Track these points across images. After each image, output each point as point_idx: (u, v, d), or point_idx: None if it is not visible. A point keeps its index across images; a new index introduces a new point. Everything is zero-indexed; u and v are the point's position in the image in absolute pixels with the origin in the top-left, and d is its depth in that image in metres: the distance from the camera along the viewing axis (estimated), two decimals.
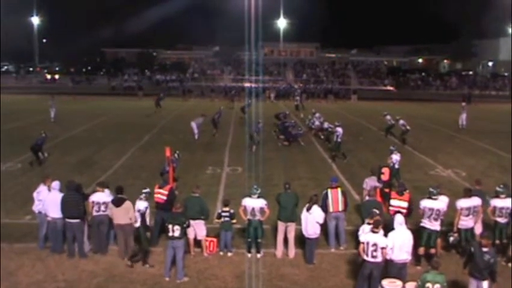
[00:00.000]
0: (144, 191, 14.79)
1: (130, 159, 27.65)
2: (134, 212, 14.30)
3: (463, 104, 46.19)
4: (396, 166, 21.28)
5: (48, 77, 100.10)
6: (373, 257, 12.09)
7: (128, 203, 14.44)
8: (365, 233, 12.50)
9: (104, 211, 14.73)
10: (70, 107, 51.13)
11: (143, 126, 39.45)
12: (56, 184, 15.16)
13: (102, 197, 14.85)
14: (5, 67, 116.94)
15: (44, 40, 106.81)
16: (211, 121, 35.76)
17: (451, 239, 14.72)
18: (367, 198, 15.47)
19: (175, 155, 20.38)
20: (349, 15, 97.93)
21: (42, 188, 15.25)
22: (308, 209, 14.35)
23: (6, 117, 40.98)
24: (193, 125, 34.40)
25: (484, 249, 11.58)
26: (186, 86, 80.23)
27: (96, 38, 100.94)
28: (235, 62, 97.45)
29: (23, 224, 16.70)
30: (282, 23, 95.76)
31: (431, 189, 14.51)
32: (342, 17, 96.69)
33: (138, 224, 14.28)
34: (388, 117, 36.10)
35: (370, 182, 16.89)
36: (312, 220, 14.33)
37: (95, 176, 22.34)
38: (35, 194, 15.30)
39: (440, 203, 14.35)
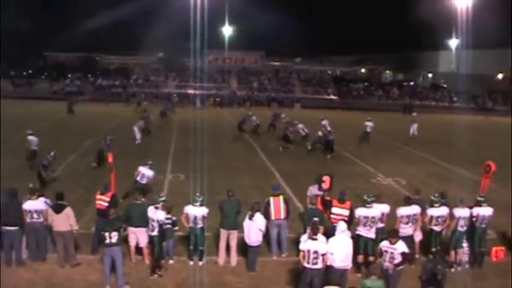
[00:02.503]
0: (161, 199, 14.70)
1: (71, 166, 27.17)
2: (74, 218, 14.13)
3: (414, 114, 47.04)
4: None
5: None
6: (313, 264, 12.19)
7: (68, 210, 14.20)
8: (304, 241, 12.60)
9: (37, 219, 14.40)
10: (10, 111, 49.87)
11: (85, 132, 38.81)
12: None
13: (34, 204, 14.50)
14: None
15: None
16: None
17: None
18: (309, 206, 15.59)
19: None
20: (294, 24, 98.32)
21: None
22: (251, 217, 14.39)
23: None
24: (135, 129, 34.16)
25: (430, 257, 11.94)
26: (129, 91, 79.39)
27: (38, 41, 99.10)
28: (179, 68, 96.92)
29: None
30: (227, 31, 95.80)
31: (365, 198, 14.75)
32: (287, 26, 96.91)
33: (154, 233, 14.16)
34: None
35: (314, 190, 17.04)
36: (254, 228, 14.37)
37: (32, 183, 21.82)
38: None
39: (375, 210, 14.61)
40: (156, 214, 14.22)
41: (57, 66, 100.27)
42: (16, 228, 14.22)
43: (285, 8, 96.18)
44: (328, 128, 36.38)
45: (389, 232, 13.06)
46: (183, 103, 68.06)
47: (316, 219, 13.42)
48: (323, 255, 12.23)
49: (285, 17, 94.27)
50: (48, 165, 22.75)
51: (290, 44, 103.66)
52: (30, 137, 26.65)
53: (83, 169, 26.22)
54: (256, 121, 39.71)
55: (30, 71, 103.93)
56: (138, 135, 33.98)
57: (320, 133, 33.65)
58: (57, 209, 14.20)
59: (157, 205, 14.44)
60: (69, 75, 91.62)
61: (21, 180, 21.66)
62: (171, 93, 75.40)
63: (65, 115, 49.30)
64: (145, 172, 20.98)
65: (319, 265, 12.23)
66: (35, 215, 14.40)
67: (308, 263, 12.23)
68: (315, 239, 12.35)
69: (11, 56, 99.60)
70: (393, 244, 12.40)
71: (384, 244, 12.53)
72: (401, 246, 12.39)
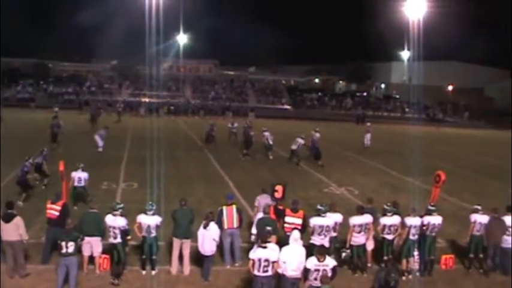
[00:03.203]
0: (119, 206, 14.61)
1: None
2: (24, 228, 13.93)
3: (368, 124, 47.56)
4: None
5: None
6: (264, 271, 12.23)
7: (18, 219, 13.99)
8: (254, 250, 12.62)
9: None
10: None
11: (35, 140, 38.19)
12: None
13: None
14: None
15: None
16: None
17: (344, 254, 15.19)
18: (259, 215, 15.64)
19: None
20: (248, 33, 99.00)
21: None
22: (205, 226, 14.38)
23: None
24: (97, 137, 33.77)
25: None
26: (82, 99, 78.50)
27: None
28: (133, 76, 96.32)
29: None
30: (181, 39, 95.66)
31: (319, 207, 14.91)
32: (241, 35, 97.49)
33: (118, 240, 14.10)
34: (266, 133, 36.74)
35: (262, 200, 17.08)
36: (208, 237, 14.37)
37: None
38: None
39: (329, 219, 14.77)
40: (117, 221, 14.17)
41: (10, 72, 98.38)
42: None
43: (240, 18, 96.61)
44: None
45: (318, 249, 13.00)
46: (137, 111, 67.60)
47: (269, 228, 13.49)
48: (273, 262, 12.29)
49: (240, 26, 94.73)
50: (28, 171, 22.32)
51: (244, 54, 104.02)
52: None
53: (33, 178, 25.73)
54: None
55: None
56: (100, 143, 33.58)
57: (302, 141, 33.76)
58: (7, 218, 13.96)
59: (116, 212, 14.36)
60: (21, 82, 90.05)
61: None
62: (119, 101, 74.71)
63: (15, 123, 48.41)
64: (80, 175, 20.79)
65: (269, 273, 12.28)
66: None
67: (259, 271, 12.27)
68: (265, 247, 12.40)
69: None
70: (323, 261, 12.18)
71: (313, 263, 12.23)
72: (331, 262, 12.31)
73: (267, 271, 12.26)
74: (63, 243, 13.06)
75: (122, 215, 14.46)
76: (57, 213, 14.93)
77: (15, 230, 13.92)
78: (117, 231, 14.12)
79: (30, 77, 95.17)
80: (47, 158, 22.94)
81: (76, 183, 20.60)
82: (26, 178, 21.65)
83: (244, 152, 34.88)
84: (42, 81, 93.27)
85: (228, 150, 37.01)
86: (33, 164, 22.76)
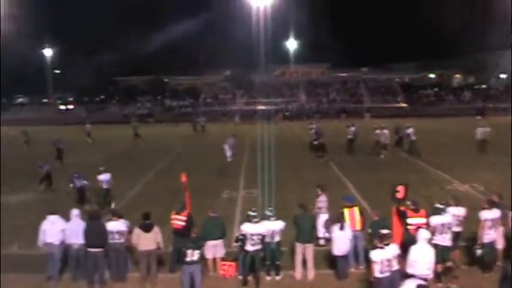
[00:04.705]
0: (253, 214, 14.82)
1: (145, 187, 27.67)
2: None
3: (478, 117, 45.90)
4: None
5: (62, 107, 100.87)
6: (387, 272, 12.01)
7: (156, 228, 14.59)
8: (375, 252, 12.36)
9: (118, 239, 14.80)
10: (83, 137, 51.31)
11: (156, 153, 39.51)
12: (76, 212, 15.24)
13: (116, 225, 14.90)
14: (20, 99, 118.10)
15: (57, 71, 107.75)
16: None
17: (478, 252, 14.51)
18: (375, 218, 15.44)
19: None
20: (357, 34, 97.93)
21: (53, 219, 15.27)
22: (341, 228, 14.33)
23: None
24: (226, 146, 34.00)
25: None
26: (198, 111, 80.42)
27: (108, 67, 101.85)
28: (246, 85, 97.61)
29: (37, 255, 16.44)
30: (291, 45, 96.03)
31: (437, 205, 14.44)
32: (350, 37, 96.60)
33: (256, 248, 14.43)
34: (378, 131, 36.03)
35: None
36: (345, 238, 14.31)
37: (110, 205, 22.33)
38: (44, 225, 15.28)
39: (448, 216, 14.28)
40: (256, 228, 14.40)
41: (128, 90, 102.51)
42: (101, 250, 14.58)
43: (347, 19, 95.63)
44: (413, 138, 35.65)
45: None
46: (252, 119, 68.47)
47: (383, 231, 13.23)
48: (394, 259, 12.08)
49: (349, 27, 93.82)
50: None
51: (355, 54, 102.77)
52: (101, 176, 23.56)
53: (159, 189, 26.56)
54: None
55: (102, 97, 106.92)
56: (228, 153, 33.94)
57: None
58: (146, 228, 14.53)
59: (255, 219, 14.58)
60: (140, 98, 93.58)
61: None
62: (241, 110, 76.00)
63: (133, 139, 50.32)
64: (104, 178, 22.89)
65: (390, 273, 12.06)
66: (116, 236, 14.77)
67: (382, 272, 12.05)
68: (383, 247, 12.17)
69: (84, 84, 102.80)
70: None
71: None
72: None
73: (389, 271, 12.04)
74: (189, 252, 13.37)
75: (258, 222, 14.63)
76: (182, 223, 15.30)
77: (154, 239, 14.49)
78: (255, 238, 14.31)
79: (148, 93, 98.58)
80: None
81: (105, 186, 22.88)
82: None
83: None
84: (159, 96, 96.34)
85: (345, 153, 36.67)
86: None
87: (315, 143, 36.90)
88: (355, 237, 15.31)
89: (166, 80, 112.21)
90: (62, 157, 35.68)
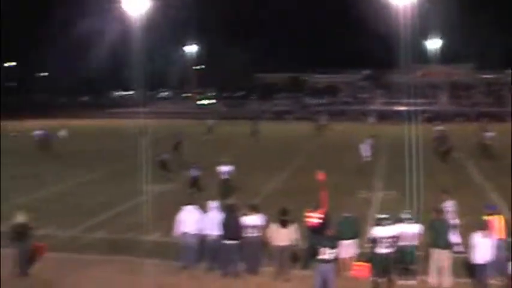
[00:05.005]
0: (407, 216, 14.79)
1: (281, 183, 27.84)
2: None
3: None
4: None
5: (202, 102, 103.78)
6: None
7: (293, 225, 14.72)
8: None
9: (253, 233, 14.98)
10: (220, 131, 52.56)
11: (292, 149, 39.66)
12: (214, 204, 15.57)
13: (252, 219, 15.09)
14: (164, 93, 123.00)
15: (200, 67, 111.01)
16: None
17: None
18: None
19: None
20: (504, 33, 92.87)
21: (190, 209, 15.73)
22: (484, 235, 13.75)
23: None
24: (363, 146, 33.13)
25: None
26: (335, 109, 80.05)
27: (249, 63, 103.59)
28: (386, 84, 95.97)
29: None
30: (434, 44, 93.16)
31: None
32: (495, 36, 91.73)
33: (388, 250, 14.29)
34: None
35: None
36: (487, 246, 13.74)
37: (245, 200, 22.51)
38: (181, 215, 15.74)
39: None
40: (388, 231, 14.15)
41: (267, 87, 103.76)
42: (236, 242, 14.85)
43: (494, 18, 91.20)
44: None
45: None
46: (390, 119, 67.21)
47: None
48: None
49: (495, 27, 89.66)
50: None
51: (502, 55, 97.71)
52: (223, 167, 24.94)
53: (295, 186, 26.64)
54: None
55: (242, 93, 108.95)
56: (365, 153, 32.81)
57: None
58: (283, 223, 14.67)
59: (387, 222, 14.32)
60: (277, 95, 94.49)
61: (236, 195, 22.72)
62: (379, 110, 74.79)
63: (269, 133, 50.81)
64: (225, 169, 24.34)
65: None
66: (252, 230, 14.96)
67: None
68: None
69: (225, 80, 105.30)
70: None
71: None
72: None
73: None
74: (324, 250, 13.27)
75: (390, 225, 14.32)
76: (317, 221, 15.24)
77: (288, 236, 14.61)
78: (388, 241, 14.02)
79: (286, 91, 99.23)
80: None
81: (225, 177, 24.13)
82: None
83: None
84: (297, 94, 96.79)
85: (485, 157, 35.15)
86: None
87: (442, 149, 35.45)
88: (496, 246, 14.59)
89: (305, 78, 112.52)
90: (178, 149, 36.64)
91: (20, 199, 23.96)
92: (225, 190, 23.44)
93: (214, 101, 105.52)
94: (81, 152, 41.16)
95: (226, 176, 24.30)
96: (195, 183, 25.14)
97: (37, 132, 43.84)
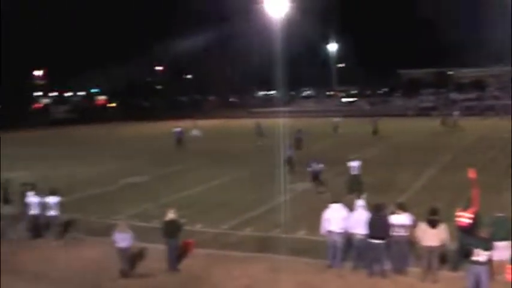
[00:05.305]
0: None
1: (428, 181, 27.14)
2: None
3: None
4: None
5: (345, 100, 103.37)
6: None
7: (443, 225, 14.30)
8: None
9: (401, 232, 14.68)
10: (362, 129, 51.97)
11: (439, 147, 38.52)
12: (361, 202, 15.46)
13: (400, 219, 14.80)
14: (306, 92, 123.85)
15: (341, 65, 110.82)
16: None
17: None
18: None
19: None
20: None
21: (336, 207, 15.65)
22: None
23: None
24: None
25: None
26: (484, 104, 77.02)
27: (392, 59, 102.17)
28: None
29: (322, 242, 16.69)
30: None
31: None
32: None
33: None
34: None
35: None
36: None
37: (392, 198, 22.10)
38: (327, 213, 15.68)
39: None
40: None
41: (411, 83, 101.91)
42: (383, 241, 14.63)
43: None
44: None
45: None
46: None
47: None
48: None
49: None
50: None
51: None
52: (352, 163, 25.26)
53: (443, 184, 25.88)
54: None
55: (385, 90, 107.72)
56: None
57: None
58: (433, 223, 14.28)
59: None
60: (423, 91, 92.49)
61: (383, 193, 22.41)
62: None
63: (438, 129, 50.17)
64: (354, 164, 24.58)
65: None
66: (399, 229, 14.68)
67: None
68: None
69: (367, 77, 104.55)
70: None
71: None
72: None
73: None
74: (477, 251, 12.77)
75: None
76: (468, 221, 14.72)
77: (437, 236, 14.18)
78: None
79: (432, 86, 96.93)
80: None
81: (356, 172, 24.25)
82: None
83: None
84: (443, 89, 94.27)
85: None
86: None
87: None
88: None
89: (450, 72, 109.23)
90: (300, 147, 37.85)
91: (171, 197, 25.00)
92: (355, 185, 23.35)
93: (356, 98, 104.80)
94: (223, 151, 42.36)
95: (355, 172, 24.43)
96: (316, 177, 25.72)
97: (176, 130, 47.76)
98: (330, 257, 15.41)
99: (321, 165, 25.78)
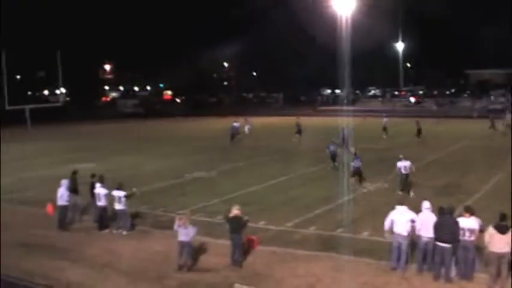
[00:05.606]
0: None
1: (497, 184, 26.50)
2: None
3: None
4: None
5: (412, 100, 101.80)
6: None
7: None
8: None
9: (469, 237, 14.39)
10: (434, 130, 51.03)
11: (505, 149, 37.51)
12: (427, 205, 15.28)
13: (468, 222, 14.50)
14: (372, 91, 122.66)
15: (408, 64, 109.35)
16: None
17: None
18: None
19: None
20: None
21: (401, 209, 15.50)
22: None
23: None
24: None
25: None
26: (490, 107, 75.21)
27: (460, 59, 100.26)
28: None
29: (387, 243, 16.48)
30: None
31: None
32: None
33: None
34: None
35: None
36: None
37: (459, 200, 21.70)
38: (393, 215, 15.54)
39: None
40: None
41: (480, 84, 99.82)
42: (449, 245, 14.36)
43: None
44: None
45: None
46: None
47: None
48: None
49: None
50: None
51: None
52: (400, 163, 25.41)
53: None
54: None
55: (452, 90, 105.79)
56: None
57: None
58: (502, 229, 13.94)
59: None
60: (493, 93, 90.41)
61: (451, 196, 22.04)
62: None
63: (488, 132, 48.50)
64: (401, 164, 24.72)
65: None
66: (467, 233, 14.41)
67: None
68: None
69: (433, 77, 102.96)
70: None
71: None
72: None
73: None
74: None
75: None
76: None
77: (508, 242, 13.80)
78: None
79: (501, 87, 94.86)
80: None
81: (403, 171, 24.69)
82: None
83: None
84: None
85: None
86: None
87: None
88: None
89: None
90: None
91: (235, 192, 25.22)
92: (404, 185, 24.43)
93: (419, 99, 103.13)
94: (285, 149, 42.30)
95: (405, 171, 24.77)
96: (356, 173, 26.77)
97: (234, 124, 48.38)
98: (394, 259, 15.25)
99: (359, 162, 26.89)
